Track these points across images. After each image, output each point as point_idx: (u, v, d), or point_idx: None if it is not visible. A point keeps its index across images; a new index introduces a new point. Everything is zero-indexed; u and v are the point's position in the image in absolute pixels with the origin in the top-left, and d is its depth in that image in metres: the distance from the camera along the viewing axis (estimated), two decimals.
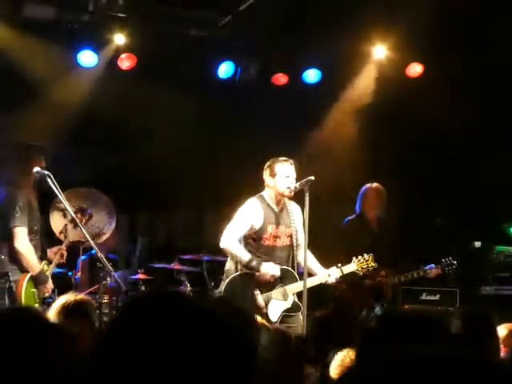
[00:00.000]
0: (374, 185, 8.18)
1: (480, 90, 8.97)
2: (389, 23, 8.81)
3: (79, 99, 8.80)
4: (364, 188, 8.21)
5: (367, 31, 9.07)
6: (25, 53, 8.26)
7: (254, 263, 6.56)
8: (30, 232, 6.37)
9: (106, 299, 7.56)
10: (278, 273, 6.61)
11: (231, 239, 6.61)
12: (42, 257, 6.56)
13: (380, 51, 9.45)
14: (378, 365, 1.25)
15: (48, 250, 6.69)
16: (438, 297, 8.19)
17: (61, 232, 6.79)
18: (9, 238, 6.30)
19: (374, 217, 8.16)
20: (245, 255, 6.59)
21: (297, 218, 6.81)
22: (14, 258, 6.28)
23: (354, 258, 6.91)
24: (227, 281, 6.66)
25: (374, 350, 2.29)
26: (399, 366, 1.22)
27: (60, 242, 6.77)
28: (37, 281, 6.33)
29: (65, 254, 6.70)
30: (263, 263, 6.57)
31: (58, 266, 6.81)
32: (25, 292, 6.22)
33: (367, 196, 8.16)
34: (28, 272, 6.30)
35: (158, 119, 9.17)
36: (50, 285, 6.44)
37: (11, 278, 6.23)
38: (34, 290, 6.32)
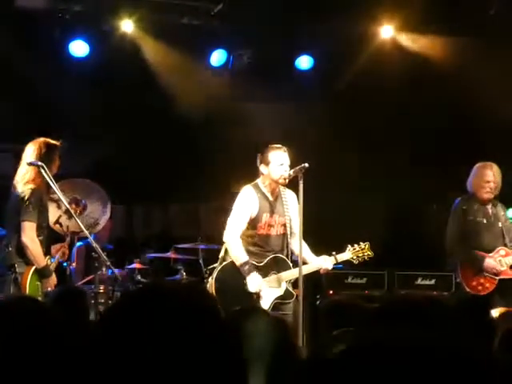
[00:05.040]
0: (489, 163, 7.55)
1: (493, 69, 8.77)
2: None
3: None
4: (478, 166, 7.59)
5: (373, 11, 8.91)
6: None
7: (245, 268, 6.47)
8: (38, 228, 6.43)
9: (101, 289, 7.57)
10: (256, 290, 6.48)
11: (233, 234, 6.56)
12: (46, 252, 6.62)
13: (387, 31, 9.34)
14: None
15: (52, 247, 6.74)
16: (433, 281, 8.20)
17: (55, 223, 6.80)
18: (18, 231, 6.37)
19: (489, 197, 7.49)
20: (241, 257, 6.50)
21: (291, 206, 6.72)
22: (21, 250, 6.36)
23: (348, 245, 6.80)
24: (219, 269, 6.63)
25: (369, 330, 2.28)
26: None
27: (61, 238, 6.80)
28: (41, 274, 6.40)
29: (67, 252, 6.77)
30: (251, 275, 6.45)
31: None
32: (29, 284, 6.29)
33: (483, 175, 7.51)
34: (33, 265, 6.36)
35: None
36: (53, 279, 6.49)
37: (17, 270, 6.31)
38: (39, 282, 6.37)
